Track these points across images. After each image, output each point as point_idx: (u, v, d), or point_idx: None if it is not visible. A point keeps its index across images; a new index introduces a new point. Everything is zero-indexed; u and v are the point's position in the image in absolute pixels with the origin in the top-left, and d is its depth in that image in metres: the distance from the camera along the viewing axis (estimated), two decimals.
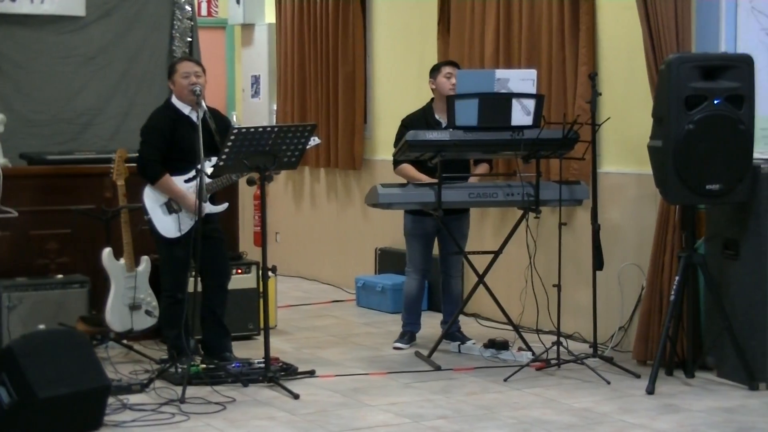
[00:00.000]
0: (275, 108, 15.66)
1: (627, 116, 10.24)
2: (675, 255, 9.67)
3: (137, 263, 10.00)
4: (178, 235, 9.52)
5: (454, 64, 10.82)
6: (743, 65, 9.25)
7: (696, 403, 8.79)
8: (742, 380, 9.26)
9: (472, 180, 10.61)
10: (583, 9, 10.86)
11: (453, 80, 10.26)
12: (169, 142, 9.56)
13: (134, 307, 9.91)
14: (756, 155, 9.36)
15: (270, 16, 15.83)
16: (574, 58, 10.95)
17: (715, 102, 9.08)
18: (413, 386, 9.37)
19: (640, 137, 9.63)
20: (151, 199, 9.58)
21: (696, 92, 9.07)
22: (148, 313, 9.99)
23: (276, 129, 10.29)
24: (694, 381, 9.46)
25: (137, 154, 9.77)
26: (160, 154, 9.56)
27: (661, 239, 9.92)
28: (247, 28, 16.19)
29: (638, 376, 9.44)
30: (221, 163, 9.17)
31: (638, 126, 9.89)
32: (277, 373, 9.31)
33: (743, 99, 9.15)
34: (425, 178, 10.24)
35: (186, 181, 9.44)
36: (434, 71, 10.71)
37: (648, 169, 9.50)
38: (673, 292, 9.37)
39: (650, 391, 9.03)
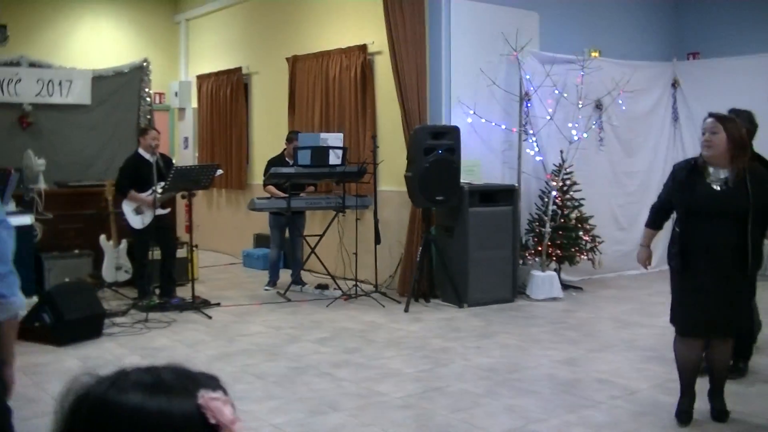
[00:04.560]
0: (197, 155, 15.48)
1: (393, 159, 10.45)
2: (419, 235, 10.13)
3: (119, 243, 10.18)
4: (141, 227, 9.67)
5: (296, 134, 10.85)
6: (454, 131, 9.82)
7: (431, 316, 9.34)
8: (454, 302, 9.80)
9: (303, 195, 10.80)
10: (368, 97, 11.27)
11: (294, 144, 10.43)
12: (136, 175, 9.63)
13: (118, 268, 10.12)
14: (462, 181, 9.86)
15: (194, 102, 15.62)
16: (363, 126, 11.34)
17: (440, 151, 9.58)
18: (275, 311, 9.64)
19: (400, 170, 10.00)
20: (127, 206, 9.72)
21: (429, 146, 9.57)
22: (126, 272, 10.18)
23: (197, 166, 10.75)
24: (430, 304, 9.95)
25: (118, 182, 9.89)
26: (129, 181, 9.68)
27: (412, 226, 10.38)
28: (182, 110, 15.99)
29: (400, 303, 9.82)
30: (167, 186, 9.36)
31: (399, 164, 10.10)
32: (199, 304, 9.57)
33: (454, 150, 9.71)
34: (281, 194, 10.44)
35: (146, 197, 9.54)
36: (288, 140, 10.83)
37: (405, 188, 9.91)
38: (418, 256, 9.83)
39: (407, 310, 9.51)
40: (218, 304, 9.89)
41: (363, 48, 11.39)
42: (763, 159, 6.24)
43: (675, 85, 13.02)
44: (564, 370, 7.15)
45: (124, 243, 10.22)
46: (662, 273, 6.91)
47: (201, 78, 15.47)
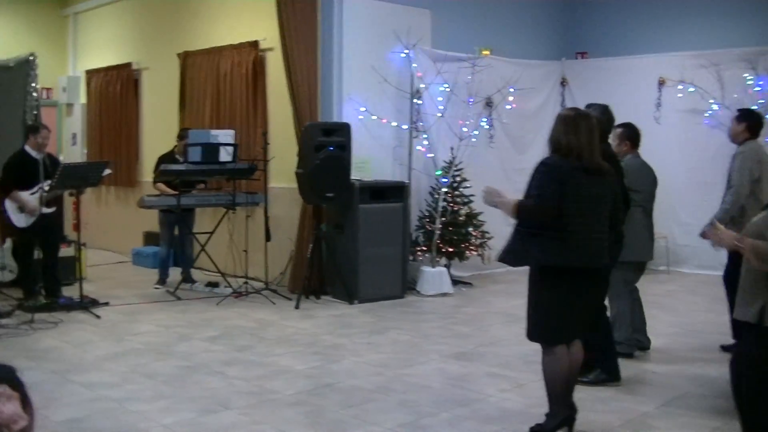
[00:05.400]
0: (86, 152, 15.18)
1: (284, 156, 10.44)
2: (310, 232, 10.18)
3: (3, 242, 9.96)
4: (26, 225, 9.33)
5: (186, 131, 10.63)
6: (345, 128, 9.88)
7: (322, 313, 9.38)
8: (345, 299, 9.88)
9: (195, 192, 10.75)
10: (259, 94, 11.27)
11: (184, 141, 10.28)
12: (21, 172, 9.29)
13: (2, 268, 9.88)
14: (353, 178, 9.92)
15: (83, 98, 15.34)
16: (254, 123, 11.31)
17: (330, 148, 9.63)
18: (165, 309, 9.57)
19: (291, 167, 9.98)
20: (10, 204, 9.31)
21: (320, 143, 9.60)
22: (11, 271, 9.95)
23: (85, 163, 10.56)
24: (321, 301, 10.02)
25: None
26: (14, 179, 9.33)
27: (302, 223, 10.40)
28: (70, 105, 15.63)
29: (291, 300, 9.86)
30: (53, 184, 9.10)
31: (290, 161, 10.08)
32: (87, 304, 9.42)
33: (345, 147, 9.77)
34: (171, 191, 10.37)
35: (31, 194, 9.22)
36: (179, 137, 10.80)
37: (295, 185, 9.92)
38: (309, 253, 9.89)
39: (297, 307, 9.55)
40: (107, 304, 9.76)
41: (255, 44, 11.37)
42: (614, 158, 6.36)
43: (564, 83, 13.40)
44: (455, 364, 7.28)
45: (8, 242, 9.98)
46: None
47: (90, 73, 15.25)
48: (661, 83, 12.41)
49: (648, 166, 7.38)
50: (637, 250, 7.00)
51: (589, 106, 6.42)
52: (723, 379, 6.85)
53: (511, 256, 5.26)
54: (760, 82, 11.43)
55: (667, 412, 6.00)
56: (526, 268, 5.41)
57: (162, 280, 11.03)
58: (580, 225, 5.05)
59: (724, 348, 7.63)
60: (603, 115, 6.42)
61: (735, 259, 7.29)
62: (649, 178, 7.29)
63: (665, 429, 5.65)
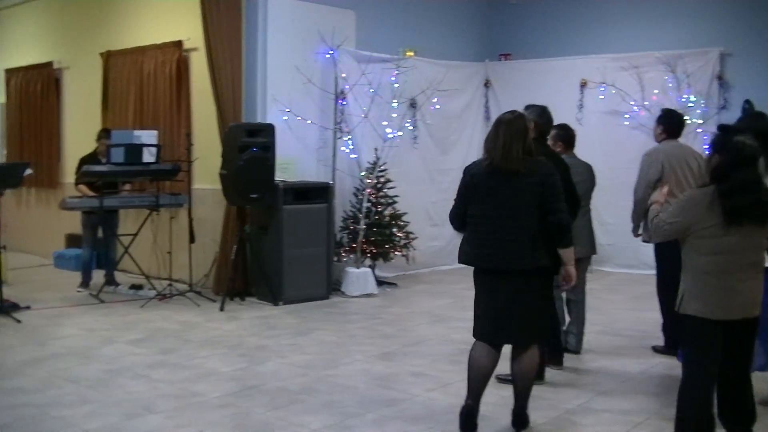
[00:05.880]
0: (5, 152, 14.99)
1: (208, 157, 10.26)
2: (234, 233, 10.13)
3: None
4: None
5: (108, 132, 10.56)
6: (269, 129, 9.85)
7: (246, 314, 9.37)
8: (270, 300, 9.90)
9: (125, 193, 10.75)
10: (183, 95, 11.17)
11: (105, 142, 10.27)
12: None
13: None
14: (277, 179, 9.92)
15: (2, 97, 15.14)
16: (178, 124, 11.20)
17: (254, 149, 9.60)
18: (89, 313, 9.45)
19: (215, 168, 9.89)
20: None
21: (244, 144, 9.56)
22: None
23: (4, 165, 10.37)
24: (245, 303, 10.02)
25: None
26: None
27: (227, 225, 10.37)
28: None
29: (215, 301, 9.84)
30: None
31: (214, 162, 9.98)
32: (8, 308, 9.24)
33: (269, 148, 9.74)
34: (92, 193, 10.29)
35: None
36: (98, 138, 10.72)
37: (220, 186, 9.86)
38: (233, 254, 9.84)
39: (222, 309, 9.53)
40: (28, 308, 9.62)
41: (179, 44, 11.28)
42: (556, 156, 6.42)
43: (487, 84, 13.54)
44: (379, 364, 7.32)
45: None
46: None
47: (10, 72, 15.01)
48: (583, 85, 12.61)
49: (583, 165, 7.53)
50: None
51: (527, 107, 6.50)
52: (644, 375, 7.05)
53: None
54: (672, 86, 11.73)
55: (590, 408, 6.10)
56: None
57: (85, 283, 10.88)
58: (477, 225, 5.24)
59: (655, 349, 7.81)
60: (540, 116, 6.47)
61: (664, 271, 7.42)
62: (581, 177, 7.34)
63: (589, 425, 5.74)
